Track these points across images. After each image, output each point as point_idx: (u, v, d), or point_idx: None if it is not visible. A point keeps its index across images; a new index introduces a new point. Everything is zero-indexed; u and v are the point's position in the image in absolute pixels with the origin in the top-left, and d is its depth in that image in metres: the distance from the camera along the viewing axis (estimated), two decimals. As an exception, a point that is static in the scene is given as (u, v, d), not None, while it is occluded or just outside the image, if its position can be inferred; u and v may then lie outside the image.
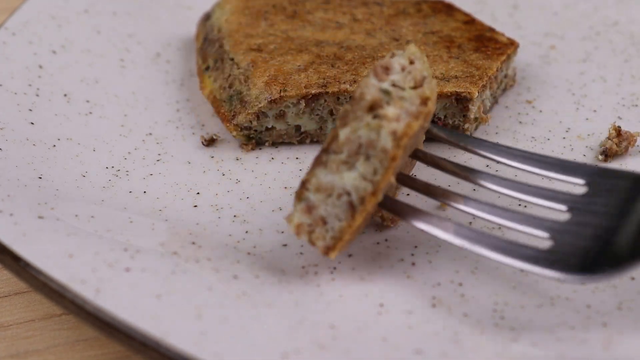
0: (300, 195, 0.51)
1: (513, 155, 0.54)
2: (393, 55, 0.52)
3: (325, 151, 0.51)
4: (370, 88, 0.51)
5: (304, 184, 0.51)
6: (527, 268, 0.49)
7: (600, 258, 0.48)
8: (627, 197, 0.50)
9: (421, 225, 0.51)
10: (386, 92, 0.51)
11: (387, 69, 0.52)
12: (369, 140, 0.50)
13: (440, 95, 0.61)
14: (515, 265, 0.49)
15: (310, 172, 0.51)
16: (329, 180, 0.50)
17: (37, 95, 0.63)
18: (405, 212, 0.52)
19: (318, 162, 0.51)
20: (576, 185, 0.53)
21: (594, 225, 0.50)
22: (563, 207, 0.51)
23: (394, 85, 0.51)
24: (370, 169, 0.50)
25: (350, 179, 0.50)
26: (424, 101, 0.51)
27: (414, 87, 0.51)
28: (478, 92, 0.61)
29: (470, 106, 0.61)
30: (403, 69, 0.52)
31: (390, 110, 0.50)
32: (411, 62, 0.52)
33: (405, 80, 0.51)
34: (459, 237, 0.51)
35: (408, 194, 0.58)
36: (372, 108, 0.50)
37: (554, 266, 0.49)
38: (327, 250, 0.51)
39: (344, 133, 0.50)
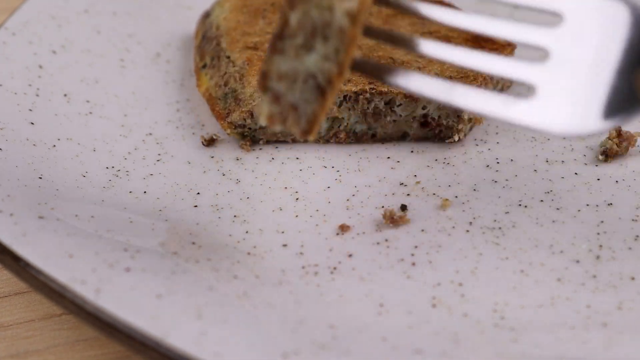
0: (264, 86, 0.49)
1: None
2: None
3: (278, 38, 0.48)
4: None
5: (264, 75, 0.49)
6: (519, 121, 0.48)
7: (592, 106, 0.47)
8: (606, 30, 0.48)
9: (396, 81, 0.49)
10: None
11: None
12: (323, 21, 0.47)
13: None
14: (505, 118, 0.48)
15: (267, 61, 0.48)
16: (290, 66, 0.48)
17: (37, 95, 0.63)
18: (378, 71, 0.50)
19: (274, 50, 0.48)
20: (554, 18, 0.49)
21: (580, 69, 0.48)
22: (545, 47, 0.49)
23: None
24: (331, 49, 0.48)
25: (312, 62, 0.48)
26: None
27: None
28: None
29: (465, 107, 0.61)
30: None
31: None
32: None
33: None
34: (438, 90, 0.48)
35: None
36: None
37: (545, 117, 0.47)
38: (305, 134, 0.49)
39: (294, 17, 0.48)
